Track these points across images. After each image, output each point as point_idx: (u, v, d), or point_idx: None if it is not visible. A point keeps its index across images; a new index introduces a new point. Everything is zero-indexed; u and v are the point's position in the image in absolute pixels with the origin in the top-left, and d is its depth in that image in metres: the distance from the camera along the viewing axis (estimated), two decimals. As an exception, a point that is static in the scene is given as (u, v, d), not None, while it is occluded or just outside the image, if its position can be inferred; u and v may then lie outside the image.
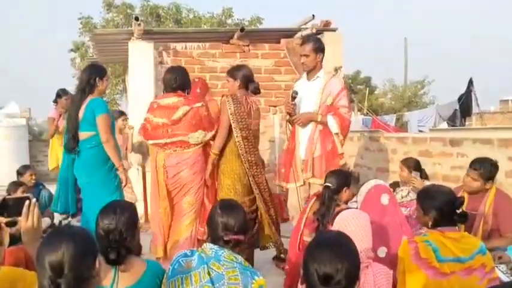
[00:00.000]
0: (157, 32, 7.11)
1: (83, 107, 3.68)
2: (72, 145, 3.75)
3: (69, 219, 4.71)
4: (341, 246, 1.62)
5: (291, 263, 3.32)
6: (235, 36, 6.61)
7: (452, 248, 2.32)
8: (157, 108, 3.78)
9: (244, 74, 3.86)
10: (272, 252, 4.14)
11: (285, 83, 6.69)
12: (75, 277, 1.39)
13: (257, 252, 3.97)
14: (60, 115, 5.86)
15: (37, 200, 1.73)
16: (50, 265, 1.39)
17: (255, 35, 6.96)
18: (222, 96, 3.86)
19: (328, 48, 4.57)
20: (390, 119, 13.78)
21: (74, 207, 4.14)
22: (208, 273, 2.03)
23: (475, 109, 12.36)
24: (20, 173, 5.18)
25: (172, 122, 3.70)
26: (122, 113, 5.89)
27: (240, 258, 2.12)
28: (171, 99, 3.75)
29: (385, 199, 2.85)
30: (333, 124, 3.86)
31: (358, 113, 15.13)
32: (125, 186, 3.84)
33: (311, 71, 4.01)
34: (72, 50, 17.33)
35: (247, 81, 3.86)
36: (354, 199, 3.45)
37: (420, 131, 10.61)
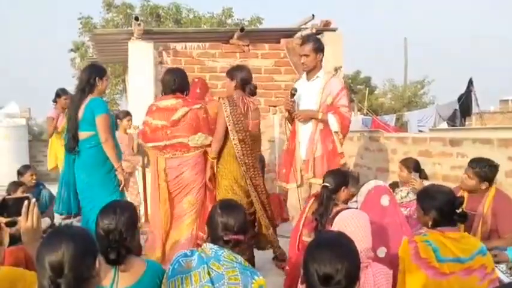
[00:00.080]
0: (157, 32, 7.11)
1: (83, 106, 3.68)
2: (72, 145, 3.75)
3: (71, 219, 4.69)
4: (341, 247, 1.62)
5: (291, 263, 3.32)
6: (235, 36, 6.62)
7: (452, 248, 2.32)
8: (156, 111, 3.76)
9: (241, 75, 3.85)
10: (272, 252, 4.13)
11: (284, 83, 6.70)
12: (75, 277, 1.39)
13: (257, 252, 3.97)
14: (59, 115, 5.85)
15: (37, 200, 1.73)
16: (50, 265, 1.39)
17: (254, 35, 6.97)
18: (219, 99, 3.85)
19: (328, 48, 4.58)
20: (390, 119, 13.76)
21: (76, 207, 4.14)
22: (208, 273, 2.03)
23: (475, 109, 12.35)
24: (20, 173, 5.16)
25: (172, 124, 3.68)
26: (127, 113, 5.87)
27: (239, 258, 2.11)
28: (170, 101, 3.74)
29: (385, 200, 2.85)
30: (334, 122, 3.86)
31: (358, 113, 15.14)
32: (123, 187, 3.82)
33: (311, 71, 4.01)
34: (72, 50, 17.34)
35: (244, 83, 3.85)
36: (354, 199, 3.45)
37: (420, 131, 10.60)
